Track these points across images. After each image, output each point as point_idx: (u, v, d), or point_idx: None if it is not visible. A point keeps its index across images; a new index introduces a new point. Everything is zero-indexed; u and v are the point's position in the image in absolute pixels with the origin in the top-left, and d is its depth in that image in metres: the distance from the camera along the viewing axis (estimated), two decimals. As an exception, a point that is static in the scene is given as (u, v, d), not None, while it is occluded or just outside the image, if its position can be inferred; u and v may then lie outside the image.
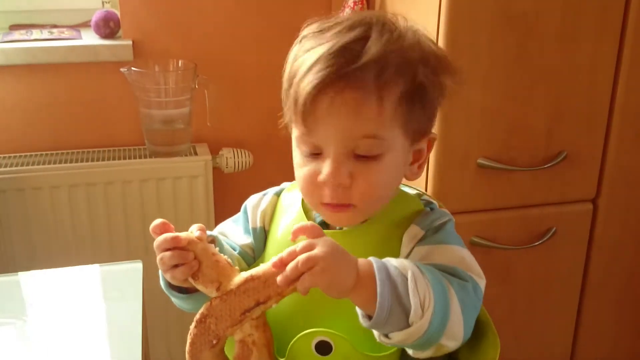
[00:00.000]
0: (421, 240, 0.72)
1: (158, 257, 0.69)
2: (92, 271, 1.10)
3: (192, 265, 0.68)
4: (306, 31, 0.74)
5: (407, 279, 0.64)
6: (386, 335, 0.65)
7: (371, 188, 0.70)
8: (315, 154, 0.71)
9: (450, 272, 0.68)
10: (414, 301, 0.63)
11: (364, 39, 0.69)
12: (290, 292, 0.64)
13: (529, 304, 1.45)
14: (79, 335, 0.93)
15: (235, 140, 1.70)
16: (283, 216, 0.80)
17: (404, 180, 0.78)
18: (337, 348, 0.69)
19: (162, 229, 0.69)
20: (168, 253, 0.68)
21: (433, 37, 0.78)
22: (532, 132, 1.30)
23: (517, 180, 1.32)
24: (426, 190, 1.30)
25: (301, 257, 0.61)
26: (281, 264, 0.63)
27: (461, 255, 0.71)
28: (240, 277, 0.67)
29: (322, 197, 0.71)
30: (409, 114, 0.70)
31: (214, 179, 1.62)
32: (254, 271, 0.67)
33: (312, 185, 0.71)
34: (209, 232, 0.76)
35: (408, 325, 0.63)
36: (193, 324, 0.69)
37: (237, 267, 0.70)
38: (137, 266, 1.07)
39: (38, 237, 1.55)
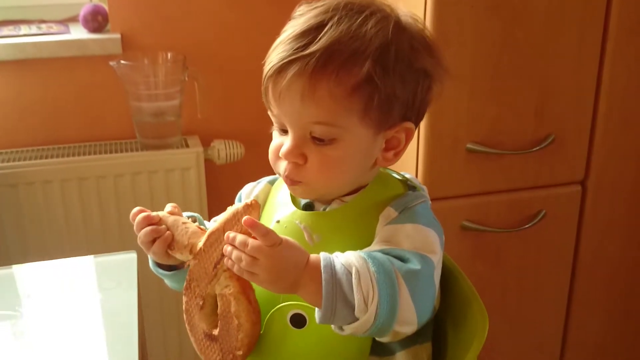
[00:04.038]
0: (392, 220, 0.74)
1: (138, 239, 0.76)
2: (87, 262, 1.11)
3: (166, 236, 0.74)
4: (295, 12, 0.76)
5: (351, 275, 0.66)
6: (340, 327, 0.68)
7: (323, 171, 0.73)
8: (284, 130, 0.75)
9: (403, 258, 0.70)
10: (357, 297, 0.65)
11: (322, 26, 0.70)
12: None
13: (520, 287, 1.46)
14: (74, 326, 0.94)
15: (227, 131, 1.70)
16: (276, 211, 0.81)
17: (394, 166, 0.80)
18: (311, 321, 0.71)
19: (139, 214, 0.77)
20: (143, 231, 0.75)
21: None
22: (520, 116, 1.31)
23: (506, 164, 1.34)
24: (416, 175, 1.31)
25: (245, 259, 0.66)
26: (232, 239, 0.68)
27: (421, 234, 0.73)
28: (205, 235, 0.72)
29: (282, 169, 0.76)
30: (366, 103, 0.71)
31: (206, 170, 1.63)
32: (212, 226, 0.72)
33: (275, 157, 0.76)
34: (189, 213, 0.82)
35: (356, 319, 0.66)
36: (183, 292, 0.73)
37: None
38: (131, 256, 1.08)
39: (32, 232, 1.55)
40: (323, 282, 0.65)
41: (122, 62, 1.52)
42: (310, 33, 0.70)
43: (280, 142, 0.75)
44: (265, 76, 0.73)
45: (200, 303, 0.71)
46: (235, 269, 0.67)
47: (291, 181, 0.75)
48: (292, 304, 0.72)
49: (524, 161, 1.34)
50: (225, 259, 0.68)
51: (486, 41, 1.24)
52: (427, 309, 0.70)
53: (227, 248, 0.68)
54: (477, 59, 1.25)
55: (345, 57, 0.69)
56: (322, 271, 0.66)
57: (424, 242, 0.72)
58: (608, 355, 1.59)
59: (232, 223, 0.70)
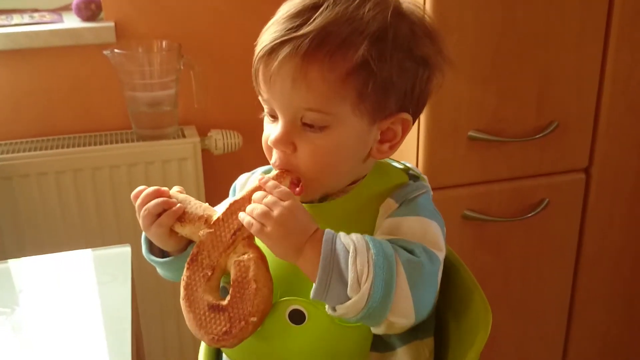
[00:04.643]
0: (393, 212, 0.72)
1: (142, 212, 0.73)
2: (81, 256, 1.09)
3: (177, 209, 0.72)
4: None
5: (348, 253, 0.64)
6: (333, 308, 0.66)
7: (314, 161, 0.70)
8: (275, 117, 0.72)
9: (408, 249, 0.67)
10: (350, 275, 0.64)
11: (318, 7, 0.67)
12: None
13: (523, 277, 1.44)
14: (68, 321, 0.93)
15: (224, 121, 1.68)
16: None
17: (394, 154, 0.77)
18: (310, 317, 0.69)
19: (142, 192, 0.75)
20: (153, 201, 0.73)
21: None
22: (522, 102, 1.29)
23: (508, 152, 1.31)
24: (417, 164, 1.29)
25: (260, 209, 0.66)
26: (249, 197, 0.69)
27: (425, 227, 0.71)
28: (224, 207, 0.72)
29: (273, 159, 0.74)
30: (360, 90, 0.68)
31: (204, 161, 1.61)
32: (236, 196, 0.71)
33: (267, 147, 0.74)
34: None
35: (348, 299, 0.64)
36: (185, 268, 0.71)
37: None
38: (125, 250, 1.06)
39: (27, 225, 1.53)
40: (321, 256, 0.64)
41: (116, 51, 1.49)
42: (305, 13, 0.67)
43: (270, 131, 0.73)
44: (256, 57, 0.70)
45: (209, 274, 0.70)
46: (246, 221, 0.67)
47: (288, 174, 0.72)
48: (291, 299, 0.70)
49: (527, 149, 1.32)
50: (240, 215, 0.68)
51: (487, 27, 1.22)
52: (426, 304, 0.68)
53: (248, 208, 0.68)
54: (478, 45, 1.23)
55: (340, 39, 0.66)
56: (323, 244, 0.65)
57: (429, 235, 0.70)
58: (612, 345, 1.58)
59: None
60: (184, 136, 1.60)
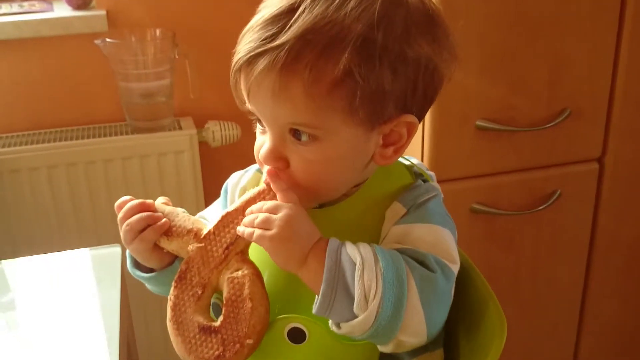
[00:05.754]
0: (402, 218, 0.66)
1: (124, 227, 0.68)
2: (68, 257, 1.05)
3: (163, 224, 0.68)
4: None
5: (355, 266, 0.59)
6: (337, 325, 0.61)
7: (308, 174, 0.65)
8: (264, 126, 0.66)
9: (419, 260, 0.62)
10: (357, 290, 0.58)
11: (294, 10, 0.60)
12: None
13: (534, 272, 1.40)
14: (57, 322, 0.89)
15: (222, 111, 1.63)
16: None
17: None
18: (311, 335, 0.64)
19: (130, 201, 0.70)
20: (136, 216, 0.68)
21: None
22: (533, 89, 1.24)
23: (518, 142, 1.26)
24: (422, 156, 1.24)
25: (261, 216, 0.62)
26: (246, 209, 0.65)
27: (438, 236, 0.65)
28: (215, 219, 0.67)
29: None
30: (350, 101, 0.61)
31: (201, 153, 1.56)
32: (229, 208, 0.67)
33: (259, 160, 0.68)
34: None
35: (355, 316, 0.59)
36: (172, 286, 0.67)
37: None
38: (115, 250, 1.01)
39: (19, 222, 1.48)
40: (325, 268, 0.59)
41: (108, 40, 1.44)
42: (281, 19, 0.60)
43: (261, 144, 0.67)
44: (233, 69, 0.64)
45: (199, 292, 0.65)
46: (247, 232, 0.62)
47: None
48: (290, 317, 0.64)
49: (538, 138, 1.27)
50: (238, 229, 0.64)
51: (496, 10, 1.17)
52: (439, 321, 0.62)
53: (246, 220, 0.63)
54: (487, 30, 1.18)
55: (320, 49, 0.59)
56: (327, 254, 0.60)
57: (441, 246, 0.64)
58: (626, 341, 1.54)
59: (255, 202, 0.65)
60: (180, 128, 1.55)
